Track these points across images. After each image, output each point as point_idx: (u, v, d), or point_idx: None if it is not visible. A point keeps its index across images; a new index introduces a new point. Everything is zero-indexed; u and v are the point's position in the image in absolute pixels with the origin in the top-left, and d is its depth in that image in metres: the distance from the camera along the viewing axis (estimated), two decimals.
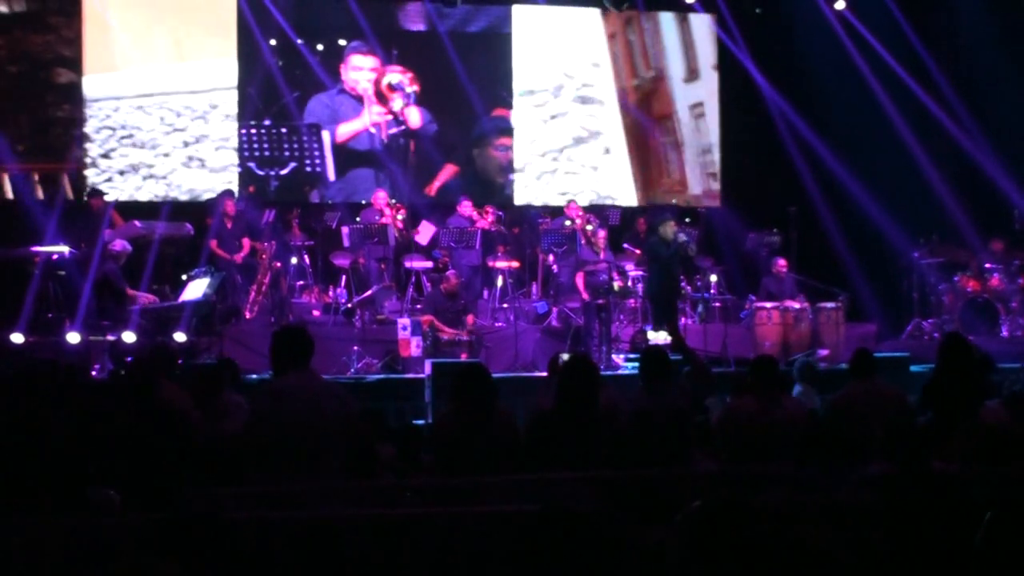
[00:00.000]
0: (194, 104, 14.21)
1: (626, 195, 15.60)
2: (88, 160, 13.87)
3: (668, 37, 15.65)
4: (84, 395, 6.28)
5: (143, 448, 4.81)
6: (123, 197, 13.70)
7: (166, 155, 14.16)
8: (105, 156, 13.94)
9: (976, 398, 6.25)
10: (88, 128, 13.88)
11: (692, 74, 15.73)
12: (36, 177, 13.66)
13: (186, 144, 14.21)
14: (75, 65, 13.85)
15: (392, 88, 14.86)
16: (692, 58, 15.70)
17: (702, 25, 15.68)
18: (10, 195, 13.51)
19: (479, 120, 15.19)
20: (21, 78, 13.80)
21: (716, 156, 15.71)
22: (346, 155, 14.74)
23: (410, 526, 3.91)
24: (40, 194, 13.51)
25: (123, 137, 14.00)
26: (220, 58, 14.24)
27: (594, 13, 15.43)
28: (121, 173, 14.00)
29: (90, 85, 13.88)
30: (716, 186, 15.73)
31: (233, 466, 4.94)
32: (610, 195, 15.52)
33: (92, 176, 13.84)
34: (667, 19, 15.62)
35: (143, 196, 13.92)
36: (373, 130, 14.79)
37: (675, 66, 15.68)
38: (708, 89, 15.73)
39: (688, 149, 15.69)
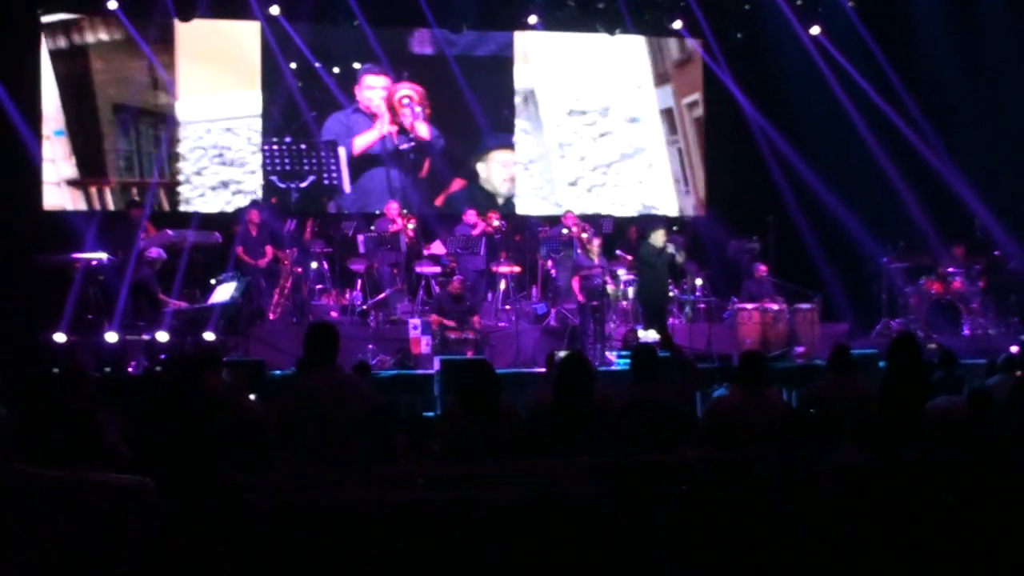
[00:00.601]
0: None
1: (668, 206, 15.68)
2: (182, 177, 14.05)
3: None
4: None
5: (183, 438, 4.85)
6: (213, 210, 13.94)
7: (252, 172, 14.33)
8: (198, 174, 14.14)
9: (925, 392, 6.24)
10: (182, 148, 14.05)
11: None
12: (134, 191, 13.81)
13: None
14: (169, 89, 13.99)
15: (403, 103, 14.90)
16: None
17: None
18: (68, 206, 13.57)
19: (483, 136, 15.22)
20: (120, 100, 13.92)
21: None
22: (361, 158, 14.80)
23: (421, 508, 3.95)
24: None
25: (214, 156, 14.19)
26: None
27: (639, 40, 15.48)
28: (213, 189, 14.18)
29: (183, 108, 14.05)
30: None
31: (262, 454, 4.98)
32: (654, 206, 15.62)
33: (186, 192, 14.08)
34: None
35: (231, 209, 14.06)
36: (386, 142, 14.83)
37: None
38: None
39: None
